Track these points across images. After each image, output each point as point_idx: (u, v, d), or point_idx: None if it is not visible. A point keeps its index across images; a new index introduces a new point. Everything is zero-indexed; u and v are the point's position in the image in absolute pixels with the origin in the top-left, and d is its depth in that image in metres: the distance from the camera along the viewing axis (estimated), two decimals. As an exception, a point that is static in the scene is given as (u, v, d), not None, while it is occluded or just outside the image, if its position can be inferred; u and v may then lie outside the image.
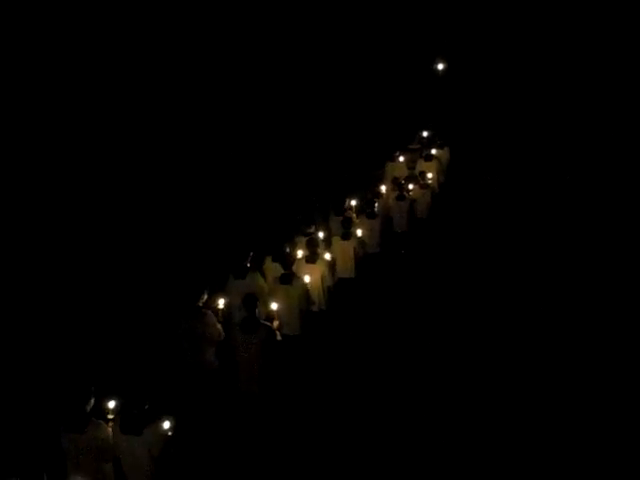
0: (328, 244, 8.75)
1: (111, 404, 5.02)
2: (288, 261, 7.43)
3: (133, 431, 4.83)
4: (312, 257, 7.83)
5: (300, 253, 7.98)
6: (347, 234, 8.80)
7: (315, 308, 7.73)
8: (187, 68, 13.92)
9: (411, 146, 13.08)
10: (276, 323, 6.62)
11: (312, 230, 8.71)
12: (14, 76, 11.34)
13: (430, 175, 11.60)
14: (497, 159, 14.61)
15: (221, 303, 6.61)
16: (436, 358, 7.99)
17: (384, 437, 6.57)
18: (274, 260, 7.82)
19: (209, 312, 6.42)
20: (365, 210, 9.77)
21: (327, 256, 8.03)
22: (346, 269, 8.76)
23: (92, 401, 4.88)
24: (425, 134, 13.18)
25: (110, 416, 5.01)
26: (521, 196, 13.08)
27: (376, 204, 9.79)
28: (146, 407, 4.86)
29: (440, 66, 15.95)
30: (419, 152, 12.58)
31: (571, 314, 8.80)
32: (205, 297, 6.43)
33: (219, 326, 6.45)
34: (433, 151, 12.41)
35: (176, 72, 13.73)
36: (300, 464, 6.19)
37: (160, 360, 6.17)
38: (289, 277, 7.27)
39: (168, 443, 4.95)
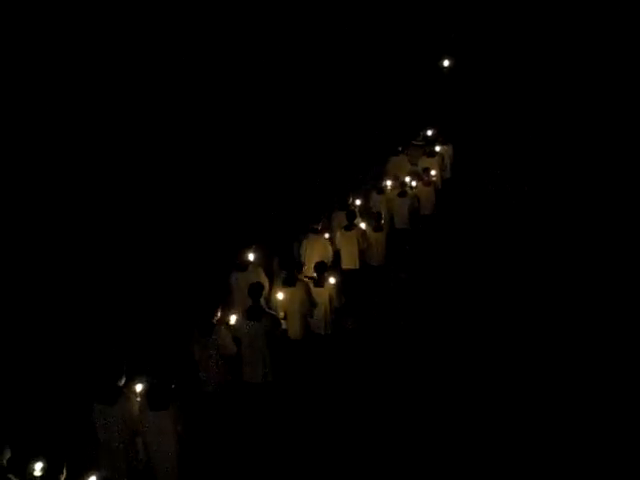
0: (332, 239, 8.87)
1: (139, 384, 5.34)
2: (292, 264, 7.47)
3: (160, 407, 5.13)
4: (320, 281, 7.70)
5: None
6: (350, 226, 8.85)
7: (321, 331, 7.67)
8: (191, 72, 13.95)
9: (415, 142, 13.04)
10: (281, 313, 6.75)
11: (318, 226, 8.77)
12: (14, 76, 11.38)
13: (434, 172, 11.58)
14: (501, 156, 14.60)
15: (232, 319, 6.63)
16: (439, 357, 8.04)
17: (387, 439, 6.60)
18: (281, 266, 7.88)
19: (223, 328, 6.44)
20: (371, 222, 9.63)
21: (332, 280, 7.86)
22: (350, 260, 8.85)
23: (124, 377, 5.22)
24: (429, 132, 13.14)
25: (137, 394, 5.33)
26: (525, 194, 13.08)
27: (382, 221, 9.67)
28: (172, 386, 5.19)
29: (445, 62, 15.98)
30: (422, 149, 12.54)
31: (573, 313, 8.81)
32: (219, 313, 6.45)
33: (232, 341, 6.47)
34: (437, 148, 12.36)
35: (180, 76, 13.76)
36: (303, 459, 6.28)
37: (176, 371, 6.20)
38: (292, 280, 7.28)
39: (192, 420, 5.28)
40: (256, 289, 6.56)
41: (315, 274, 7.65)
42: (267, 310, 6.63)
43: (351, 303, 8.42)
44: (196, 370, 6.37)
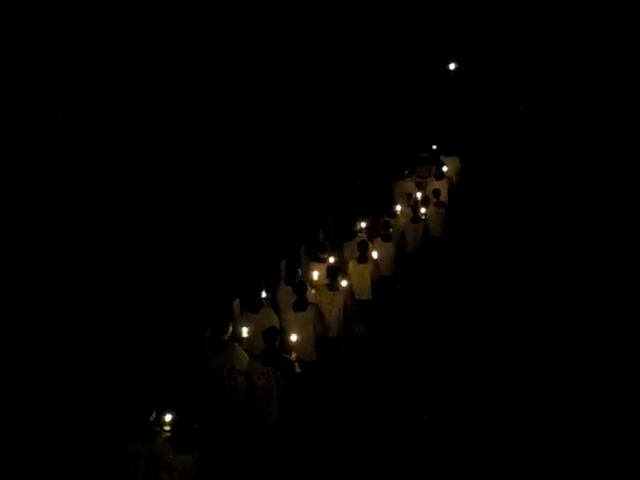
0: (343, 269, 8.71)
1: (168, 417, 5.33)
2: (302, 288, 7.39)
3: (185, 449, 5.11)
4: (334, 284, 7.81)
5: (315, 275, 8.07)
6: (363, 257, 8.75)
7: (333, 334, 7.75)
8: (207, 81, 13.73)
9: (421, 155, 12.82)
10: (294, 355, 6.65)
11: (325, 255, 8.67)
12: (14, 76, 11.24)
13: (442, 195, 11.48)
14: (509, 169, 14.48)
15: (245, 332, 6.66)
16: (453, 380, 8.13)
17: (402, 462, 6.72)
18: (287, 283, 7.78)
19: (236, 344, 6.47)
20: (379, 232, 9.66)
21: (344, 283, 7.99)
22: (363, 292, 8.72)
23: (154, 413, 5.25)
24: (434, 147, 12.98)
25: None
26: (536, 208, 13.02)
27: (391, 229, 9.66)
28: (195, 427, 5.17)
29: (452, 66, 15.80)
30: (429, 165, 12.37)
31: (578, 328, 8.93)
32: (230, 329, 6.47)
33: (247, 355, 6.49)
34: (444, 169, 12.23)
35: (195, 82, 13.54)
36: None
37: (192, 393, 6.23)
38: (303, 304, 7.26)
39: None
40: (271, 333, 6.44)
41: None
42: (282, 354, 6.51)
43: (361, 309, 8.57)
44: (212, 391, 6.42)
